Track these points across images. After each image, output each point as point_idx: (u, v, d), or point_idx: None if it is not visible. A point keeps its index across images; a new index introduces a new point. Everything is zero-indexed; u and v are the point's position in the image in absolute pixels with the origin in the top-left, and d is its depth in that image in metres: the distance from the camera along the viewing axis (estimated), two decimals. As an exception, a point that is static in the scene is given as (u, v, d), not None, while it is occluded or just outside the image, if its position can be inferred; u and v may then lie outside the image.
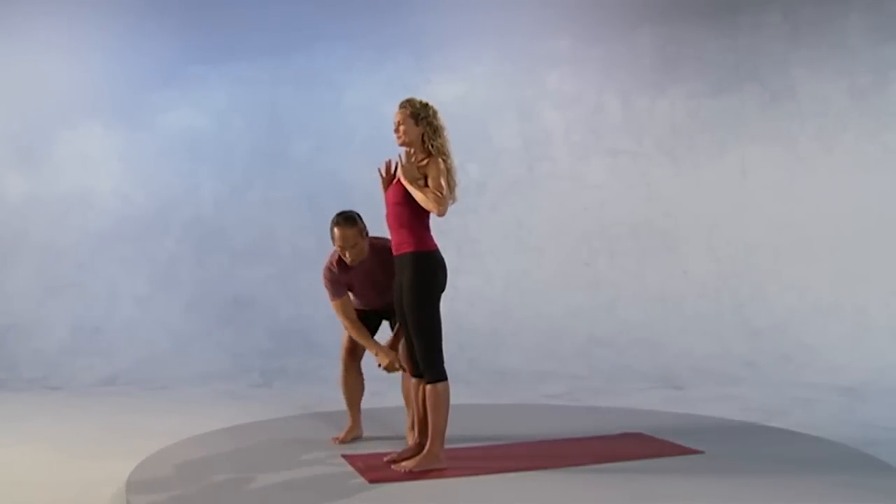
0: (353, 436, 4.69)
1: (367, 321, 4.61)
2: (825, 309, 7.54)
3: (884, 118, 7.56)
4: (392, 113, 8.87)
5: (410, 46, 8.57)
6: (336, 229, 4.40)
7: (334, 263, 4.50)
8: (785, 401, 6.08)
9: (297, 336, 8.02)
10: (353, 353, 4.73)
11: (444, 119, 4.07)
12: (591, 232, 8.45)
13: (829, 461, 4.10)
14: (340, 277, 4.51)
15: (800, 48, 7.93)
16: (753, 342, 7.58)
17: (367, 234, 4.47)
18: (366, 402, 4.90)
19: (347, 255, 4.37)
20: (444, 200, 3.81)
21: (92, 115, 8.41)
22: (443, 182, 3.85)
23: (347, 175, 8.61)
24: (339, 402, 5.99)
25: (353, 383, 4.76)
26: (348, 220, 4.42)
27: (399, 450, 4.18)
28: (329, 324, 8.16)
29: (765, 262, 7.94)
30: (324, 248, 8.46)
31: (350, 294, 4.57)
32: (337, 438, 4.67)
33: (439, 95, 8.35)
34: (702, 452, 4.24)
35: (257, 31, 8.45)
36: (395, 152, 9.51)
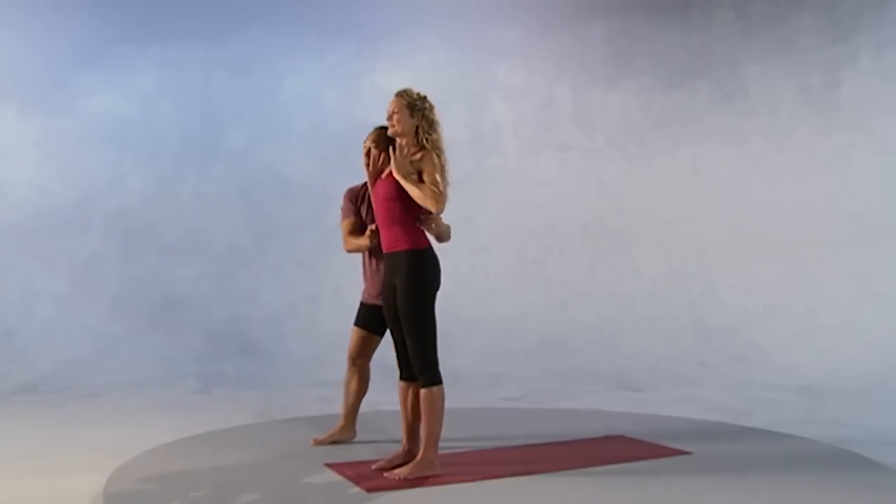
0: (335, 439, 4.72)
1: (373, 323, 4.62)
2: (776, 309, 7.88)
3: (834, 118, 7.96)
4: (333, 102, 8.91)
5: (354, 32, 8.56)
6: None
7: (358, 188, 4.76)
8: (746, 401, 6.34)
9: (233, 338, 7.93)
10: (354, 356, 4.77)
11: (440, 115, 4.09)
12: (541, 229, 8.62)
13: (817, 459, 4.34)
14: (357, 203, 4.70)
15: (751, 46, 8.27)
16: (706, 342, 7.86)
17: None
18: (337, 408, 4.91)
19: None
20: (442, 197, 3.84)
21: (3, 98, 8.09)
22: (439, 178, 3.88)
23: (286, 167, 8.56)
24: (296, 410, 6.02)
25: (350, 386, 4.81)
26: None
27: (380, 456, 4.20)
28: (268, 325, 8.17)
29: (716, 262, 8.25)
30: (260, 244, 8.52)
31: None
32: (317, 440, 4.72)
33: (384, 85, 8.38)
34: (690, 453, 4.41)
35: (190, 10, 8.30)
36: (337, 145, 9.54)
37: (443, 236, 4.24)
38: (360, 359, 4.76)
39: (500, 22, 8.67)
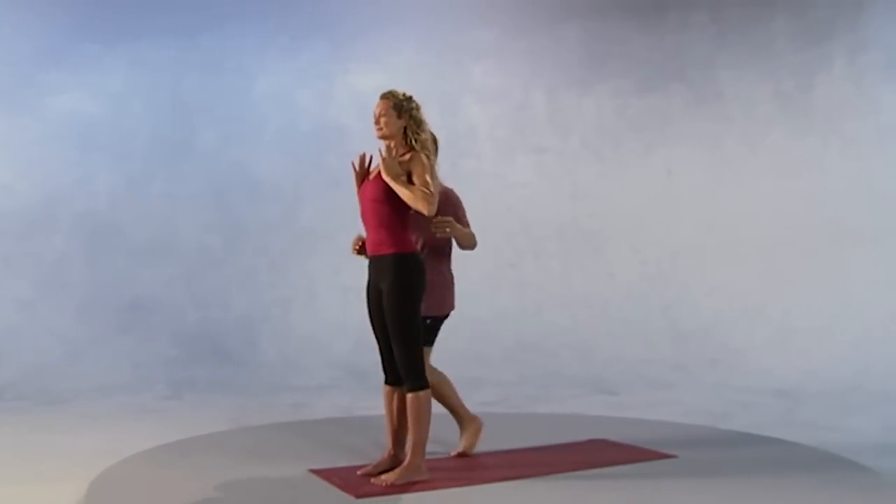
0: (472, 441, 4.56)
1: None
2: (751, 312, 7.98)
3: (808, 122, 8.09)
4: (306, 102, 8.86)
5: (327, 32, 8.54)
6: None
7: None
8: (724, 404, 6.41)
9: (204, 342, 7.86)
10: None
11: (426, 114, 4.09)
12: (516, 232, 8.64)
13: (801, 462, 4.40)
14: None
15: (726, 49, 8.38)
16: (681, 345, 7.94)
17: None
18: (327, 412, 4.86)
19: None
20: (432, 198, 3.84)
21: (-35, 95, 7.97)
22: (428, 179, 3.87)
23: (258, 168, 8.51)
24: (270, 415, 5.97)
25: (438, 393, 4.56)
26: None
27: (362, 461, 4.19)
28: (240, 329, 8.10)
29: (690, 265, 8.33)
30: (231, 246, 8.45)
31: None
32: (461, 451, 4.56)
33: (357, 85, 8.49)
34: (675, 456, 4.45)
35: (160, 8, 8.21)
36: (310, 146, 9.50)
37: (463, 242, 4.22)
38: None
39: (474, 23, 8.68)
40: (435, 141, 4.25)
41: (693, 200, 8.42)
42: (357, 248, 4.22)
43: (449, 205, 4.40)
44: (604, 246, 8.57)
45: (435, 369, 4.59)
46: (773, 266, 8.04)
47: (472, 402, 6.66)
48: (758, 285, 8.05)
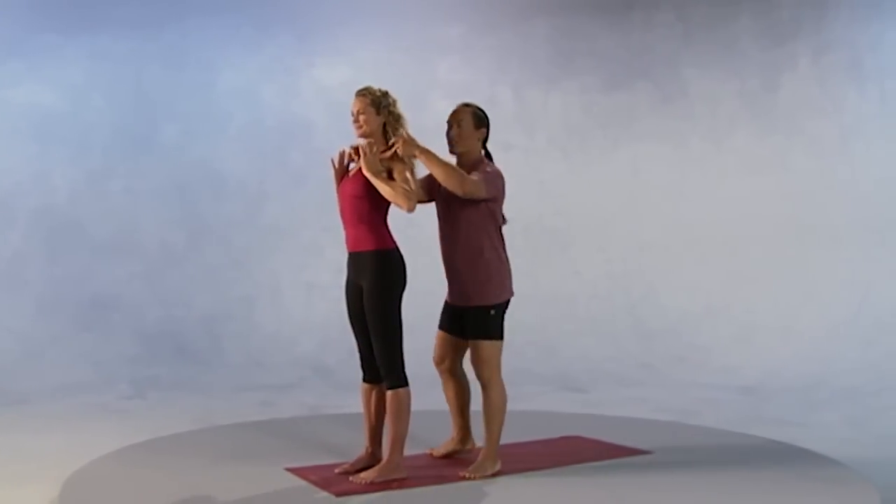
0: (449, 450, 4.46)
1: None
2: (716, 309, 8.11)
3: (772, 120, 8.26)
4: (271, 97, 8.82)
5: (293, 25, 8.50)
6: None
7: None
8: (692, 402, 6.52)
9: (167, 340, 7.80)
10: (436, 362, 4.52)
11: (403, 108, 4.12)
12: (482, 229, 8.67)
13: (773, 456, 4.53)
14: None
15: (692, 48, 8.51)
16: (647, 343, 8.05)
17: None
18: (294, 411, 4.86)
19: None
20: (413, 195, 3.89)
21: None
22: (409, 175, 3.91)
23: (221, 164, 8.47)
24: (236, 415, 5.95)
25: (452, 392, 4.54)
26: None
27: (337, 459, 4.20)
28: (202, 327, 8.05)
29: (656, 263, 8.45)
30: (194, 243, 8.38)
31: None
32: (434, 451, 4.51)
33: (323, 80, 8.48)
34: (650, 452, 4.53)
35: (121, -2, 8.12)
36: (274, 141, 9.42)
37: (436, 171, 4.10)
38: (442, 364, 4.50)
39: (441, 19, 8.71)
40: (486, 118, 4.37)
41: (659, 198, 8.53)
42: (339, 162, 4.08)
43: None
44: (570, 244, 8.65)
45: (455, 370, 4.48)
46: (738, 264, 8.18)
47: (439, 399, 6.75)
48: (723, 283, 8.19)
